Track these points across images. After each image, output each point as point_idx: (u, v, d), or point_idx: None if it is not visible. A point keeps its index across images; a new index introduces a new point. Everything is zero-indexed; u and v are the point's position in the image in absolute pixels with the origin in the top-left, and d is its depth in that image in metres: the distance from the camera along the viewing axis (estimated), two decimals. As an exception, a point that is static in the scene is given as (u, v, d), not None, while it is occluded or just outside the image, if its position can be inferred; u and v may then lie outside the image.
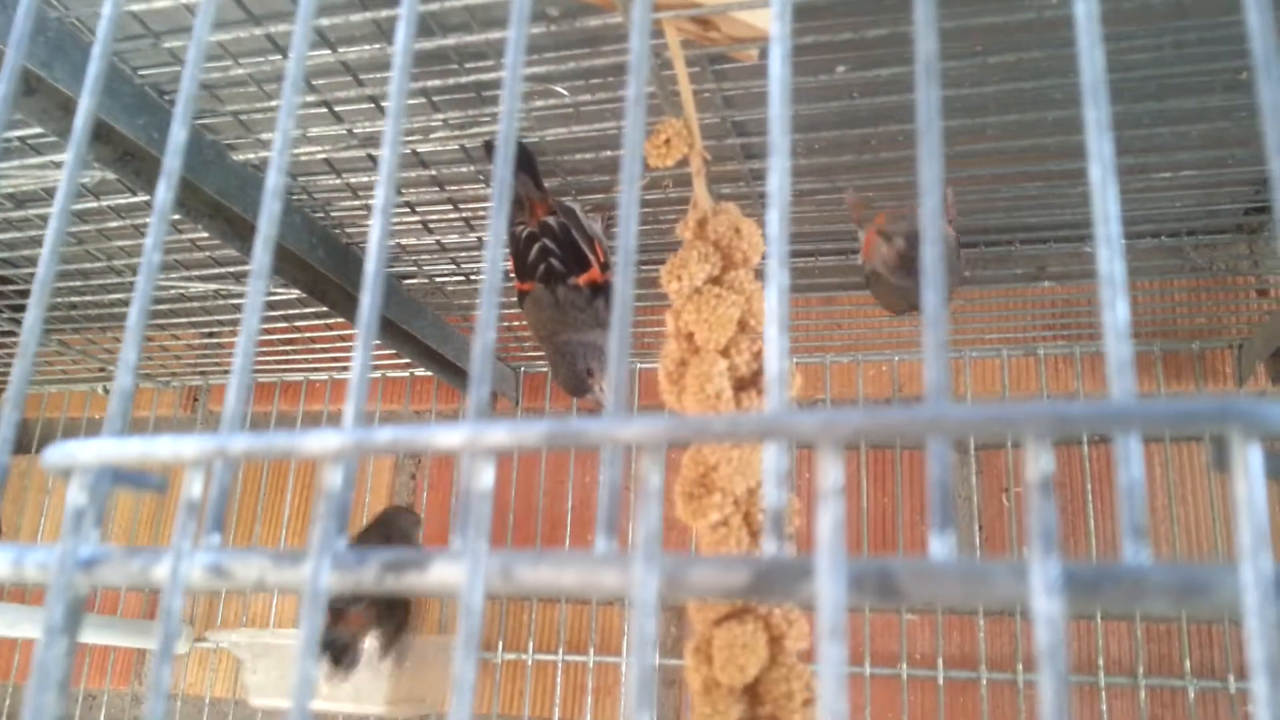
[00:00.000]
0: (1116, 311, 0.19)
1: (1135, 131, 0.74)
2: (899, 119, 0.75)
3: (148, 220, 0.88)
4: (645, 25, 0.24)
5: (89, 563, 0.22)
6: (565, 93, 0.74)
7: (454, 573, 0.20)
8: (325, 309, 0.91)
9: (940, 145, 0.21)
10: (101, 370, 1.45)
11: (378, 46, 0.66)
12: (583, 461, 1.32)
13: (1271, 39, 0.20)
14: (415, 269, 1.06)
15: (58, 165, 0.76)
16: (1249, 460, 0.16)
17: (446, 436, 0.20)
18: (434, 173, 0.84)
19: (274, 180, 0.25)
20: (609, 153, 0.78)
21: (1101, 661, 1.06)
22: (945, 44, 0.63)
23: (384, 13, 0.62)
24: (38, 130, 0.69)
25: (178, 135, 0.27)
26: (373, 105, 0.74)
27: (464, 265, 1.05)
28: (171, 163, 0.26)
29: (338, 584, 0.21)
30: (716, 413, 0.46)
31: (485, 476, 0.20)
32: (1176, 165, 0.80)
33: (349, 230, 0.95)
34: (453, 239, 0.98)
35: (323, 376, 1.45)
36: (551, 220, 0.77)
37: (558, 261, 0.77)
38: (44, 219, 0.89)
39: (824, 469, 0.18)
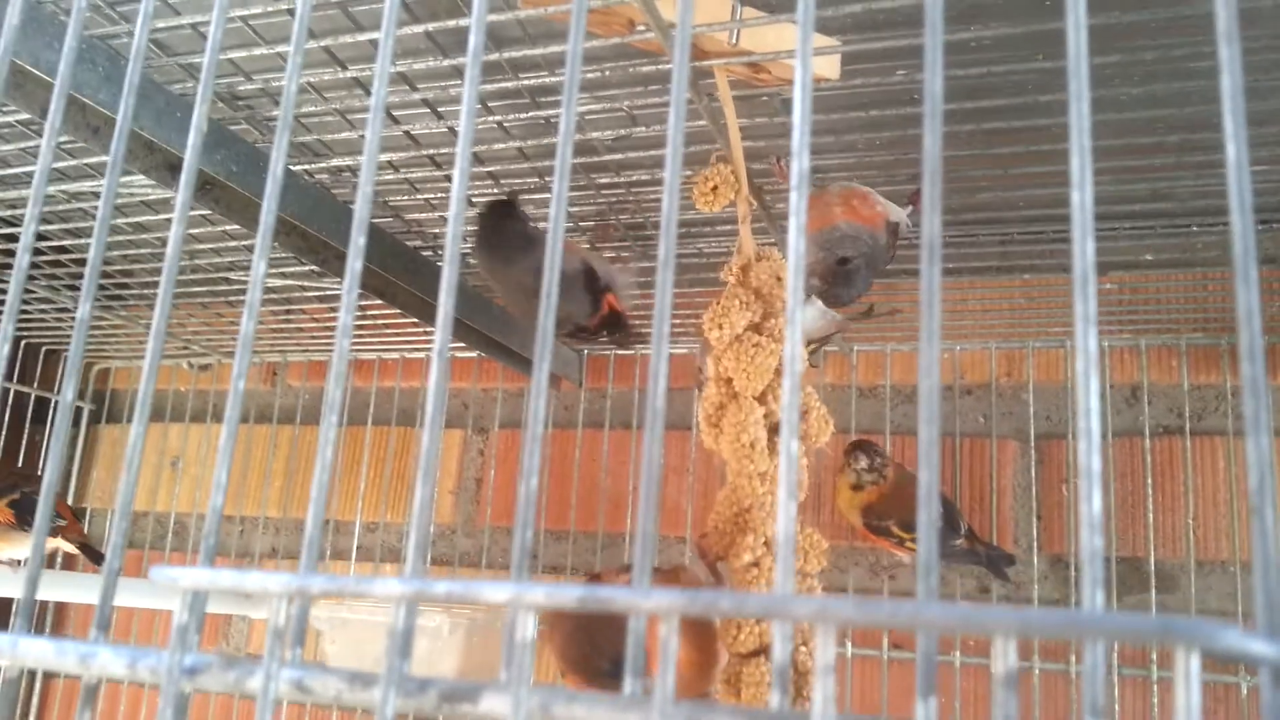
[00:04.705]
0: (1093, 504, 0.21)
1: (1183, 110, 0.71)
2: (953, 120, 0.75)
3: (228, 225, 0.93)
4: (683, 79, 0.26)
5: (192, 670, 0.26)
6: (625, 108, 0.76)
7: (501, 705, 0.23)
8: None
9: (940, 153, 0.23)
10: (185, 347, 1.52)
11: (455, 83, 0.70)
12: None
13: (1241, 103, 0.22)
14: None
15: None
16: (1190, 670, 0.18)
17: (494, 593, 0.22)
18: (492, 169, 0.87)
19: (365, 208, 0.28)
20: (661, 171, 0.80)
21: None
22: (1011, 49, 0.63)
23: (458, 59, 0.65)
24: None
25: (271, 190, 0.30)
26: (446, 131, 0.78)
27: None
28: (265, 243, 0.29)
29: (401, 707, 0.24)
30: (751, 460, 0.49)
31: (527, 628, 0.22)
32: (1250, 144, 0.78)
33: (405, 218, 0.98)
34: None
35: (394, 355, 1.50)
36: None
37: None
38: (135, 226, 0.95)
39: (821, 649, 0.20)
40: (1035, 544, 1.16)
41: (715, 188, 0.54)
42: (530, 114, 0.76)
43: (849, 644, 1.17)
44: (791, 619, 0.20)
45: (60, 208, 0.95)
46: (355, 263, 0.28)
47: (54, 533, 1.29)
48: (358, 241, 0.29)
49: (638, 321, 1.19)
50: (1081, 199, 0.23)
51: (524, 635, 0.22)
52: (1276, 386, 1.12)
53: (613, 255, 1.01)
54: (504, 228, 0.79)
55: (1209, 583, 1.09)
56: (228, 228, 0.97)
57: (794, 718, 0.21)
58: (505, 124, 0.77)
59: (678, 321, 1.24)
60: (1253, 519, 0.20)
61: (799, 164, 0.25)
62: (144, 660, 0.27)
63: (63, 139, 0.73)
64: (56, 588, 1.26)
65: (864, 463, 1.00)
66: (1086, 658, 0.20)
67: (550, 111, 0.74)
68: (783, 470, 0.23)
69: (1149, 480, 1.13)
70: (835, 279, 0.61)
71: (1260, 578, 0.19)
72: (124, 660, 0.27)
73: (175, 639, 0.26)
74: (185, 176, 0.33)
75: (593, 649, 0.56)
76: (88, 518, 1.63)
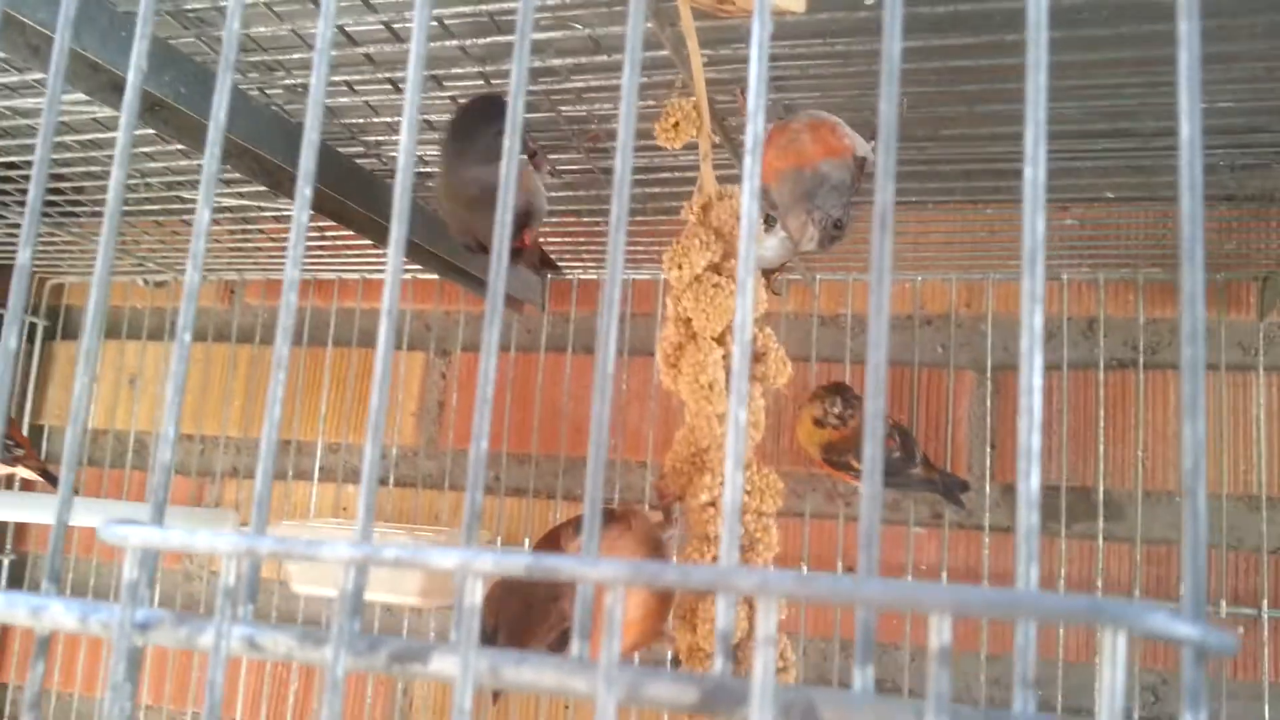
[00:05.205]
0: (1030, 481, 0.21)
1: (1149, 50, 0.70)
2: (919, 57, 0.74)
3: (171, 147, 0.90)
4: (640, 12, 0.26)
5: (144, 625, 0.26)
6: (579, 26, 0.74)
7: (450, 666, 0.23)
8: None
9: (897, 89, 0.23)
10: (140, 264, 1.49)
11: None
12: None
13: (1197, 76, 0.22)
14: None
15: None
16: (1116, 648, 0.19)
17: (442, 559, 0.23)
18: (452, 92, 0.85)
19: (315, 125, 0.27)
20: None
21: None
22: None
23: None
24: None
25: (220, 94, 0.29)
26: (405, 53, 0.75)
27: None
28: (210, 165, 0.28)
29: (351, 666, 0.24)
30: (709, 402, 0.49)
31: (474, 595, 0.23)
32: (1220, 83, 0.76)
33: (362, 140, 0.96)
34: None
35: (354, 276, 1.48)
36: None
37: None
38: (87, 144, 0.92)
39: (763, 621, 0.21)
40: (988, 473, 1.19)
41: (677, 124, 0.53)
42: (492, 38, 0.74)
43: (804, 566, 1.20)
44: (735, 591, 0.21)
45: (6, 124, 0.92)
46: (301, 215, 0.28)
47: (13, 461, 1.28)
48: (304, 192, 0.28)
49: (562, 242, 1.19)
50: (1034, 174, 0.23)
51: (472, 601, 0.23)
52: (1231, 322, 1.14)
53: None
54: (476, 130, 0.76)
55: (1156, 513, 1.13)
56: (182, 145, 0.94)
57: (735, 685, 0.22)
58: (466, 48, 0.75)
59: (640, 249, 1.24)
60: (1185, 501, 0.20)
61: (754, 128, 0.24)
62: (95, 615, 0.27)
63: (1, 56, 0.70)
64: (13, 509, 1.26)
65: (838, 408, 1.01)
66: (1018, 636, 0.21)
67: (512, 36, 0.72)
68: (730, 441, 0.23)
69: (1101, 412, 1.16)
70: (833, 240, 0.59)
71: (1189, 559, 0.20)
72: (75, 614, 0.27)
73: (126, 595, 0.26)
74: (127, 104, 0.32)
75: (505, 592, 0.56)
76: (45, 435, 1.61)
